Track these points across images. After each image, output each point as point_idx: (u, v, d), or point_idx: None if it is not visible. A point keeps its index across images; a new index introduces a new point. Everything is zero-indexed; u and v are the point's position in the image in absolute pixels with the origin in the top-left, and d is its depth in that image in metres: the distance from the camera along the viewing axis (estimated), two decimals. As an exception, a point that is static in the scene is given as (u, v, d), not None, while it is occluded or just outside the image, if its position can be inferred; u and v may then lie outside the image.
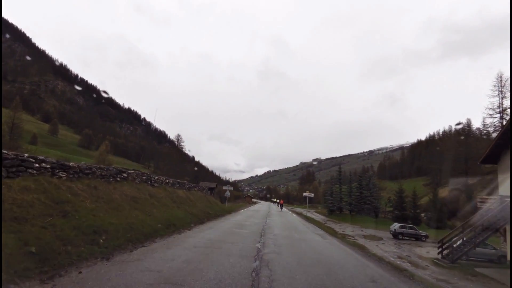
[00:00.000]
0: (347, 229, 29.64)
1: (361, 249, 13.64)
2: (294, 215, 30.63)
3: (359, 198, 42.45)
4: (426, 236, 25.15)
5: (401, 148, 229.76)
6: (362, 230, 29.81)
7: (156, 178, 15.92)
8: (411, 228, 25.71)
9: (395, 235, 25.48)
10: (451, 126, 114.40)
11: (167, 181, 17.48)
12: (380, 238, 24.70)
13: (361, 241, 21.23)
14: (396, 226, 25.84)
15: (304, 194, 32.22)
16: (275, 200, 74.04)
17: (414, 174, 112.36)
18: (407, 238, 25.28)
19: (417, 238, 25.21)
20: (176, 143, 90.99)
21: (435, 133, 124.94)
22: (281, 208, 44.85)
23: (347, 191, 44.06)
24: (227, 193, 29.97)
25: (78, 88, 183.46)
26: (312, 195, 32.39)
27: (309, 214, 39.11)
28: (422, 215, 38.11)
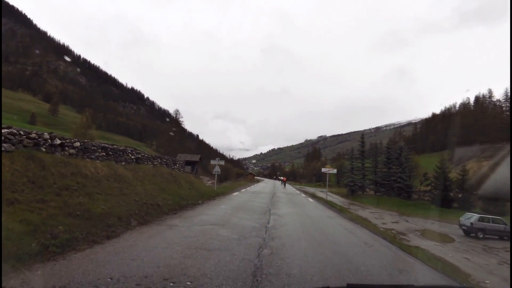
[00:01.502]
0: (386, 218, 20.20)
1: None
2: (310, 199, 21.22)
3: (386, 175, 32.73)
4: (522, 233, 15.52)
5: (410, 124, 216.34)
6: (407, 221, 20.34)
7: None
8: (495, 221, 15.97)
9: (470, 232, 15.92)
10: (468, 98, 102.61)
11: (61, 143, 7.95)
12: (451, 239, 15.14)
13: (427, 246, 11.84)
14: (473, 218, 16.13)
15: (323, 169, 22.47)
16: (281, 178, 65.40)
17: (428, 150, 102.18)
18: (489, 236, 15.72)
19: (502, 236, 15.62)
20: (175, 118, 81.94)
21: (451, 106, 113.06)
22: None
23: (372, 166, 34.40)
24: (217, 169, 20.55)
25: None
26: (335, 170, 22.80)
27: (320, 194, 29.79)
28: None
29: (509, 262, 11.29)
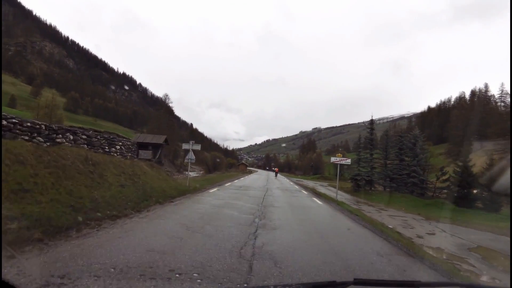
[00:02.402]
0: (416, 227, 14.93)
1: None
2: (316, 199, 15.77)
3: (398, 168, 27.53)
4: None
5: (403, 118, 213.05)
6: (443, 230, 15.09)
7: None
8: None
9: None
10: (464, 92, 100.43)
11: None
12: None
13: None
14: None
15: (333, 159, 16.57)
16: (274, 169, 60.52)
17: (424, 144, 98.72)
18: None
19: None
20: (164, 102, 75.21)
21: (446, 100, 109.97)
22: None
23: (381, 157, 29.15)
24: (190, 157, 14.79)
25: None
26: (349, 160, 17.38)
27: (323, 190, 24.47)
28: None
29: None
